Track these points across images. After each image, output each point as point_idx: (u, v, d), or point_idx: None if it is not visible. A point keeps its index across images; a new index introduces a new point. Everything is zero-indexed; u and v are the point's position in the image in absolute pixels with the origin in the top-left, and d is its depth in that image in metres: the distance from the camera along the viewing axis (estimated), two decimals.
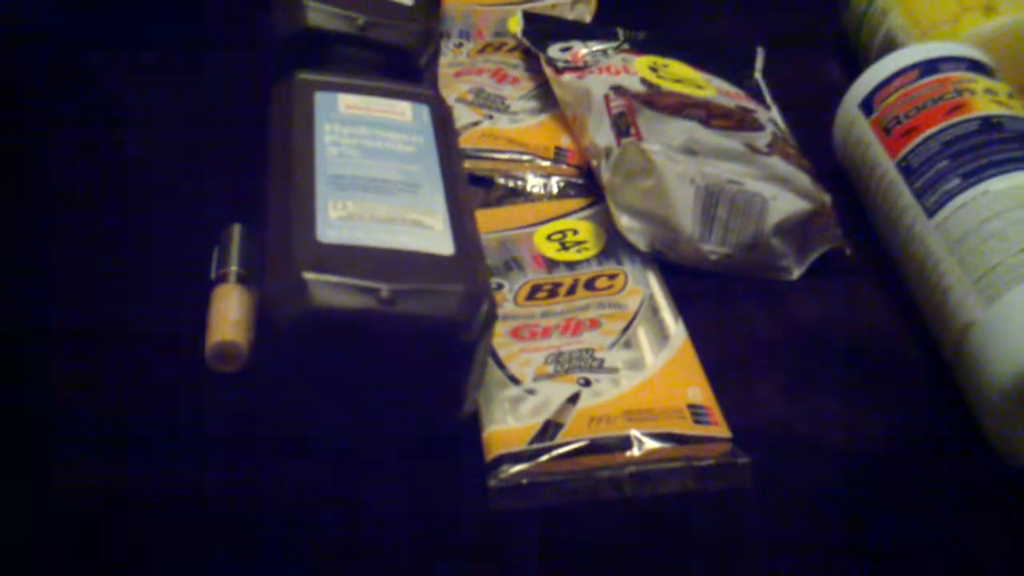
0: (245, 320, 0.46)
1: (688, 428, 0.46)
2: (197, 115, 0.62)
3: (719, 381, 0.49)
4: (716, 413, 0.47)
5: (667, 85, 0.60)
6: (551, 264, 0.54)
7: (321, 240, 0.43)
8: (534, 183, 0.60)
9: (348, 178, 0.46)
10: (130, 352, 0.48)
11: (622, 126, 0.56)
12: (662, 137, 0.55)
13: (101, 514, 0.42)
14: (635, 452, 0.45)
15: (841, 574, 0.44)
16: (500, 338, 0.49)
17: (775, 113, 0.63)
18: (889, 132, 0.57)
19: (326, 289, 0.42)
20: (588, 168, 0.60)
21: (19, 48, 0.66)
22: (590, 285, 0.53)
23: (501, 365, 0.48)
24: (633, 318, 0.51)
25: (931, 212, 0.52)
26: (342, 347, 0.42)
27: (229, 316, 0.46)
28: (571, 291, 0.52)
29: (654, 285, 0.53)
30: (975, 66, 0.58)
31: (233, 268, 0.48)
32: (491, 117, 0.62)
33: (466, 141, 0.60)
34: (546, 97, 0.64)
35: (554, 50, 0.64)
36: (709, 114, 0.57)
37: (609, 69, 0.61)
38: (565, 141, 0.61)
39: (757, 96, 0.64)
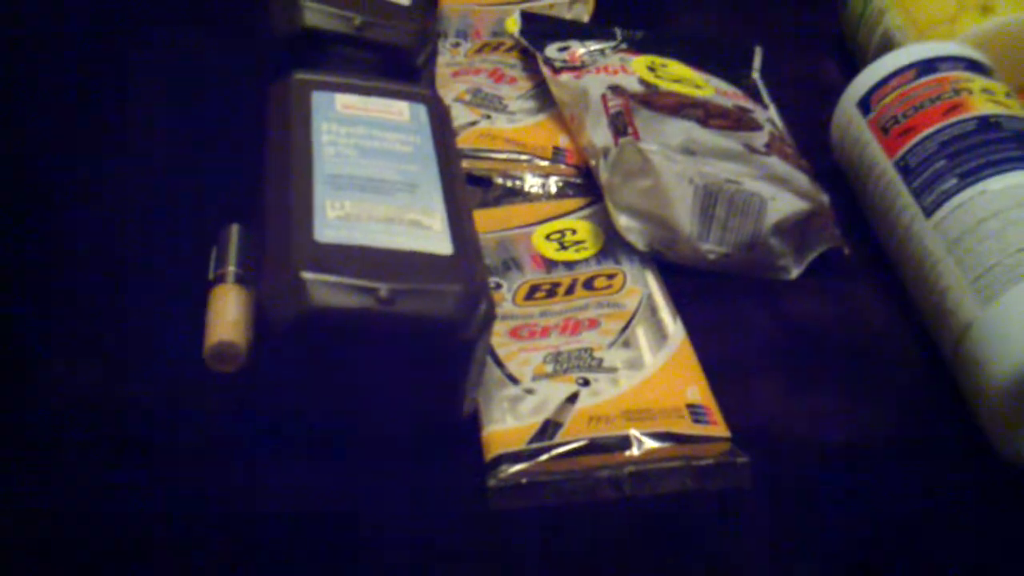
0: (243, 320, 0.45)
1: (687, 428, 0.46)
2: (195, 115, 0.62)
3: (718, 381, 0.49)
4: (715, 412, 0.47)
5: (665, 85, 0.60)
6: (550, 264, 0.54)
7: (319, 240, 0.43)
8: (532, 183, 0.60)
9: (346, 178, 0.46)
10: (128, 352, 0.48)
11: (620, 126, 0.56)
12: (660, 137, 0.55)
13: (99, 514, 0.42)
14: (634, 452, 0.45)
15: (840, 574, 0.43)
16: (499, 338, 0.49)
17: (773, 113, 0.63)
18: (887, 132, 0.57)
19: (324, 289, 0.41)
20: (586, 168, 0.60)
21: (19, 47, 0.65)
22: (589, 285, 0.53)
23: (500, 365, 0.48)
24: (632, 318, 0.51)
25: (929, 212, 0.52)
26: (340, 347, 0.42)
27: (227, 316, 0.46)
28: (570, 291, 0.52)
29: (653, 285, 0.53)
30: (973, 66, 0.58)
31: (231, 268, 0.48)
32: (489, 117, 0.62)
33: (464, 141, 0.60)
34: (544, 97, 0.64)
35: (552, 50, 0.64)
36: (707, 114, 0.57)
37: (607, 69, 0.61)
38: (563, 141, 0.61)
39: (755, 96, 0.64)
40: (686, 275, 0.55)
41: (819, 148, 0.62)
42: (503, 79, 0.66)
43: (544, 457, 0.44)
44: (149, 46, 0.67)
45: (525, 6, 0.72)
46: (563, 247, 0.55)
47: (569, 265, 0.54)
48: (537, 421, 0.46)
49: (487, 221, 0.56)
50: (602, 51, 0.65)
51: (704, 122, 0.57)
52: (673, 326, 0.51)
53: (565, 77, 0.61)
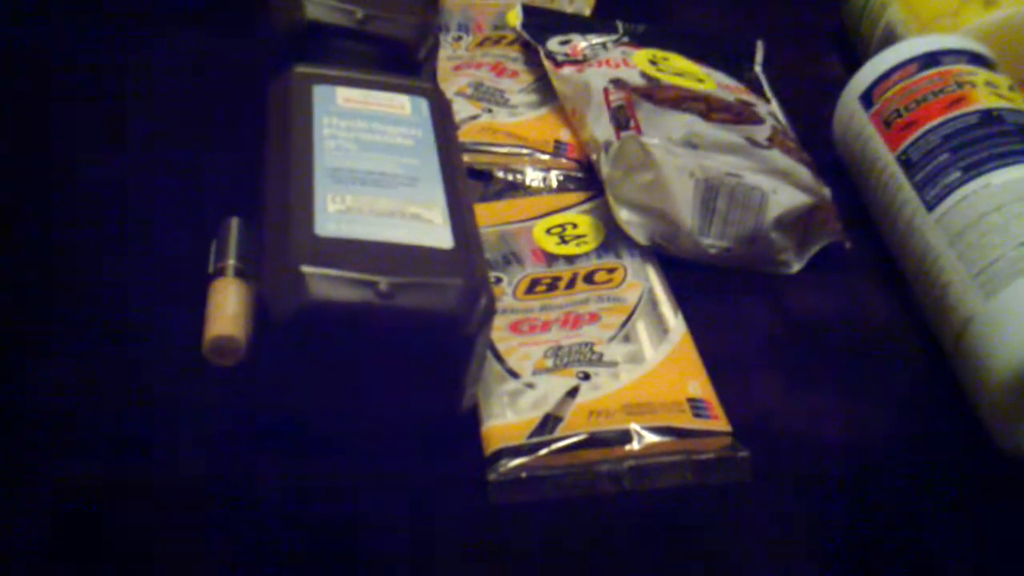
0: (243, 314, 0.45)
1: (688, 422, 0.46)
2: (195, 108, 0.62)
3: (719, 375, 0.48)
4: (716, 407, 0.47)
5: (667, 78, 0.60)
6: (550, 258, 0.54)
7: (319, 234, 0.43)
8: (533, 177, 0.60)
9: (347, 171, 0.46)
10: (128, 346, 0.48)
11: (621, 119, 0.56)
12: (661, 130, 0.55)
13: (100, 511, 0.42)
14: (635, 446, 0.45)
15: (841, 569, 0.43)
16: (499, 332, 0.49)
17: (775, 106, 0.63)
18: (889, 125, 0.57)
19: (324, 283, 0.41)
20: (587, 162, 0.60)
21: (19, 43, 0.65)
22: (589, 279, 0.53)
23: (500, 359, 0.48)
24: (632, 312, 0.51)
25: (931, 206, 0.52)
26: (340, 341, 0.42)
27: (227, 310, 0.46)
28: (570, 285, 0.52)
29: (653, 279, 0.53)
30: (976, 59, 0.58)
31: (231, 262, 0.48)
32: (490, 111, 0.62)
33: (465, 135, 0.60)
34: (545, 91, 0.64)
35: (553, 43, 0.64)
36: (709, 107, 0.57)
37: (608, 62, 0.61)
38: (564, 135, 0.61)
39: (757, 89, 0.64)
40: (687, 269, 0.55)
41: (821, 142, 0.62)
42: (504, 73, 0.66)
43: (544, 451, 0.44)
44: (150, 39, 0.67)
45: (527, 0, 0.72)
46: (564, 241, 0.55)
47: (570, 259, 0.54)
48: (537, 415, 0.46)
49: (488, 215, 0.56)
50: (604, 44, 0.65)
51: (706, 116, 0.56)
52: (674, 320, 0.51)
53: (567, 71, 0.61)
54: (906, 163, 0.55)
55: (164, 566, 0.41)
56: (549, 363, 0.48)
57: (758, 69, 0.67)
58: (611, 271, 0.53)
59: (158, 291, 0.51)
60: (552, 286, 0.52)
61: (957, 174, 0.52)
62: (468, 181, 0.52)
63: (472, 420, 0.46)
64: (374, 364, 0.43)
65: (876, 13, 0.68)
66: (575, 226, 0.56)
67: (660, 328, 0.50)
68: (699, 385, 0.48)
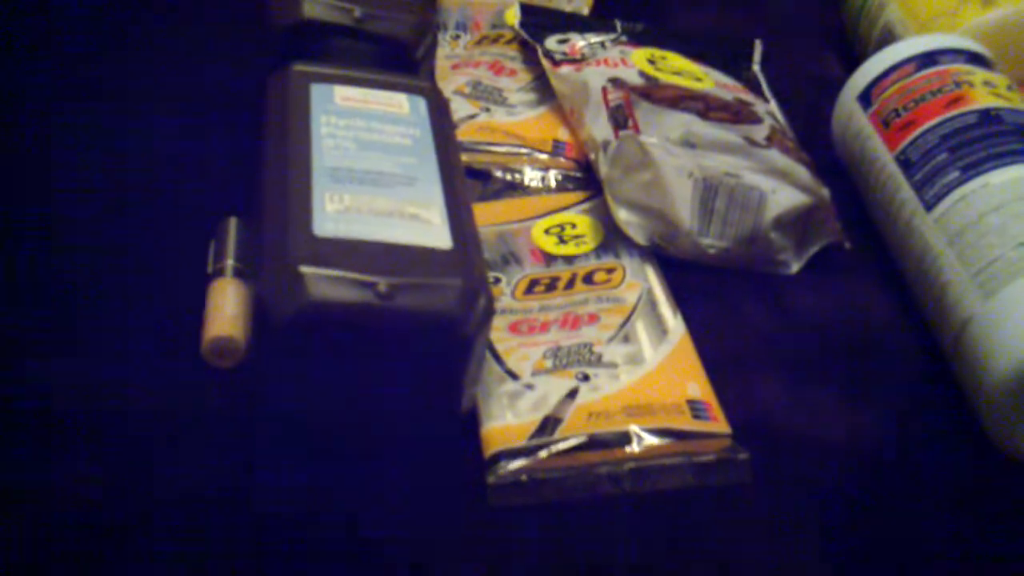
0: (242, 314, 0.45)
1: (687, 423, 0.46)
2: (193, 108, 0.62)
3: (718, 376, 0.48)
4: (715, 408, 0.47)
5: (665, 77, 0.60)
6: (549, 258, 0.54)
7: (318, 234, 0.43)
8: (532, 176, 0.59)
9: (345, 171, 0.46)
10: (126, 347, 0.48)
11: (620, 119, 0.55)
12: (660, 130, 0.55)
13: (98, 511, 0.42)
14: (634, 448, 0.45)
15: (841, 570, 0.43)
16: (498, 333, 0.49)
17: (773, 106, 0.63)
18: (888, 125, 0.56)
19: (323, 283, 0.41)
20: (586, 161, 0.60)
21: (19, 46, 0.65)
22: (588, 279, 0.52)
23: (499, 360, 0.48)
24: (632, 312, 0.51)
25: (930, 206, 0.52)
26: (339, 341, 0.42)
27: (226, 310, 0.46)
28: (569, 285, 0.52)
29: (652, 279, 0.53)
30: (974, 58, 0.58)
31: (230, 262, 0.48)
32: (488, 110, 0.62)
33: (463, 134, 0.60)
34: (544, 90, 0.64)
35: (551, 42, 0.64)
36: (707, 107, 0.57)
37: (607, 61, 0.61)
38: (563, 134, 0.61)
39: (755, 89, 0.64)
40: (686, 269, 0.55)
41: (820, 142, 0.62)
42: (503, 72, 0.65)
43: (544, 453, 0.44)
44: (148, 38, 0.67)
45: None
46: (563, 241, 0.55)
47: (569, 259, 0.54)
48: (537, 417, 0.46)
49: (486, 215, 0.56)
50: (602, 43, 0.64)
51: (704, 115, 0.56)
52: (673, 321, 0.50)
53: (565, 70, 0.61)
54: (904, 163, 0.55)
55: (163, 568, 0.41)
56: (548, 364, 0.48)
57: (756, 68, 0.67)
58: (610, 271, 0.53)
59: (157, 291, 0.50)
60: (551, 286, 0.52)
61: (956, 174, 0.52)
62: (466, 180, 0.52)
63: (471, 422, 0.46)
64: (372, 365, 0.43)
65: (874, 12, 0.68)
66: (574, 226, 0.56)
67: (659, 329, 0.50)
68: (698, 386, 0.47)
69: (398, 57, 0.55)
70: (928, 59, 0.58)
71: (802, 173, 0.55)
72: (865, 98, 0.59)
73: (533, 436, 0.45)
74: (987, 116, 0.54)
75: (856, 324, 0.54)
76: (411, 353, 0.43)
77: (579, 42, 0.64)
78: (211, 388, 0.46)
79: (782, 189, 0.55)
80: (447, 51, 0.68)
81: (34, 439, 0.44)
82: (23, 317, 0.49)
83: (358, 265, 0.42)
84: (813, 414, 0.49)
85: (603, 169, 0.55)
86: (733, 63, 0.66)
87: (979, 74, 0.56)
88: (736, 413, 0.47)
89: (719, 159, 0.54)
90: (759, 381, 0.50)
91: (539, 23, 0.67)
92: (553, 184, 0.59)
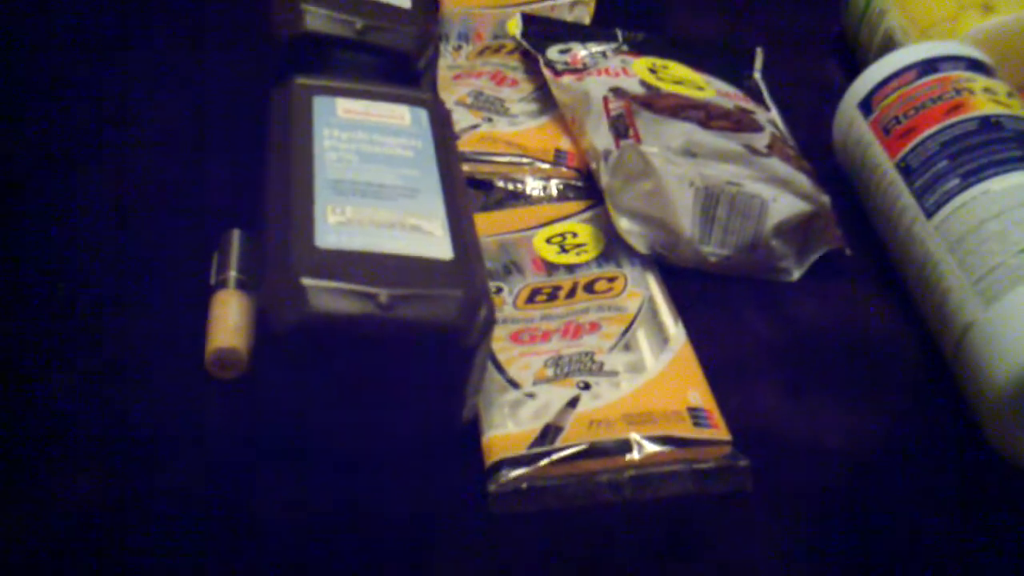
0: (245, 326, 0.46)
1: (688, 431, 0.46)
2: (196, 120, 0.62)
3: (719, 383, 0.49)
4: (716, 416, 0.47)
5: (666, 86, 0.60)
6: (551, 267, 0.54)
7: (320, 245, 0.43)
8: (533, 186, 0.60)
9: (347, 183, 0.46)
10: (130, 358, 0.48)
11: (621, 128, 0.56)
12: (661, 139, 0.55)
13: (100, 521, 0.42)
14: (635, 455, 0.45)
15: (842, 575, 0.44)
16: (499, 342, 0.49)
17: (774, 114, 0.63)
18: (888, 132, 0.57)
19: (325, 295, 0.41)
20: (587, 170, 0.60)
21: (19, 50, 0.66)
22: (590, 288, 0.53)
23: (500, 369, 0.48)
24: (633, 321, 0.51)
25: (931, 212, 0.52)
26: (341, 353, 0.42)
27: (228, 322, 0.46)
28: (571, 294, 0.52)
29: (654, 287, 0.53)
30: (974, 65, 0.58)
31: (232, 274, 0.48)
32: (490, 120, 0.62)
33: (465, 144, 0.60)
34: (545, 99, 0.64)
35: (553, 52, 0.64)
36: (708, 115, 0.57)
37: (608, 71, 0.61)
38: (564, 143, 0.61)
39: (756, 97, 0.64)
40: (687, 278, 0.55)
41: (820, 149, 0.62)
42: (504, 82, 0.66)
43: (545, 462, 0.44)
44: (151, 51, 0.67)
45: (526, 8, 0.72)
46: (564, 250, 0.55)
47: (570, 268, 0.54)
48: (538, 426, 0.46)
49: (488, 224, 0.56)
50: (603, 53, 0.65)
51: (705, 124, 0.57)
52: (674, 329, 0.51)
53: (566, 79, 0.61)
54: (905, 170, 0.55)
55: (164, 573, 0.41)
56: (550, 373, 0.48)
57: (757, 76, 0.67)
58: (611, 280, 0.53)
59: (160, 303, 0.51)
60: (552, 295, 0.52)
61: (956, 181, 0.52)
62: (468, 191, 0.52)
63: (473, 431, 0.46)
64: (374, 376, 0.43)
65: (875, 20, 0.68)
66: (575, 235, 0.56)
67: (660, 337, 0.50)
68: (699, 394, 0.48)
69: (400, 69, 0.56)
70: (929, 66, 0.58)
71: (803, 181, 0.55)
72: (866, 105, 0.59)
73: (534, 444, 0.45)
74: (987, 123, 0.54)
75: (857, 331, 0.54)
76: (412, 364, 0.43)
77: (580, 52, 0.65)
78: (213, 398, 0.46)
79: (783, 197, 0.55)
80: (449, 61, 0.68)
81: (37, 448, 0.45)
82: (26, 328, 0.49)
83: (359, 276, 0.42)
84: (814, 421, 0.49)
85: (604, 178, 0.55)
86: (734, 71, 0.66)
87: (979, 81, 0.57)
88: (737, 420, 0.47)
89: (720, 168, 0.55)
90: (760, 388, 0.50)
91: (541, 33, 0.67)
92: (554, 193, 0.60)
